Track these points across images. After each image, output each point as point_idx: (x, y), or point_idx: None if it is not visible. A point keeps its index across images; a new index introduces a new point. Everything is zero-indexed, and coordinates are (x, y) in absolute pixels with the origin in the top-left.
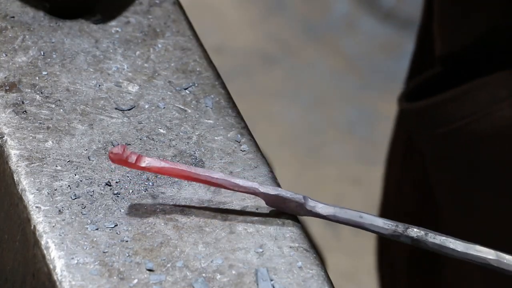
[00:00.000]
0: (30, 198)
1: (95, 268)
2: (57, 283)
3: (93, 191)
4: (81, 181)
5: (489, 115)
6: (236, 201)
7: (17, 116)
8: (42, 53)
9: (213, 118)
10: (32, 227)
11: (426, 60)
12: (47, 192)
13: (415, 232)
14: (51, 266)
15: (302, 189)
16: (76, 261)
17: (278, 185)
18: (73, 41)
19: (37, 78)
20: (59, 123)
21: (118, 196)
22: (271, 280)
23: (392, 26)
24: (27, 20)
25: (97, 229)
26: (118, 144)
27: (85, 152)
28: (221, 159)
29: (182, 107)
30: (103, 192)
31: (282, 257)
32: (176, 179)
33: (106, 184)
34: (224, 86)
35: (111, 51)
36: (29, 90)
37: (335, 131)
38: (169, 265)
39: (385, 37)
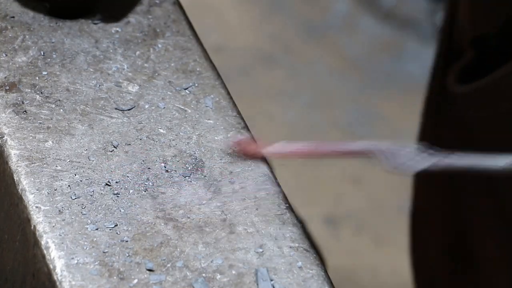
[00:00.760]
0: (30, 198)
1: (95, 268)
2: (57, 283)
3: (93, 191)
4: (81, 181)
5: None
6: (236, 201)
7: (17, 116)
8: (42, 53)
9: (213, 118)
10: (32, 227)
11: (454, 47)
12: (47, 192)
13: None
14: (51, 266)
15: (302, 189)
16: (76, 261)
17: (278, 185)
18: (73, 41)
19: (37, 78)
20: (59, 123)
21: (118, 196)
22: (271, 280)
23: (392, 26)
24: (27, 20)
25: (97, 229)
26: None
27: (85, 152)
28: (221, 159)
29: (182, 107)
30: (103, 192)
31: (282, 257)
32: (177, 179)
33: (106, 184)
34: (224, 86)
35: (111, 51)
36: (29, 90)
37: (335, 131)
38: (169, 265)
39: (385, 37)
